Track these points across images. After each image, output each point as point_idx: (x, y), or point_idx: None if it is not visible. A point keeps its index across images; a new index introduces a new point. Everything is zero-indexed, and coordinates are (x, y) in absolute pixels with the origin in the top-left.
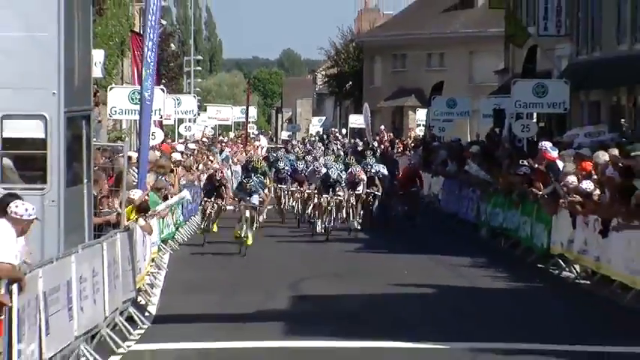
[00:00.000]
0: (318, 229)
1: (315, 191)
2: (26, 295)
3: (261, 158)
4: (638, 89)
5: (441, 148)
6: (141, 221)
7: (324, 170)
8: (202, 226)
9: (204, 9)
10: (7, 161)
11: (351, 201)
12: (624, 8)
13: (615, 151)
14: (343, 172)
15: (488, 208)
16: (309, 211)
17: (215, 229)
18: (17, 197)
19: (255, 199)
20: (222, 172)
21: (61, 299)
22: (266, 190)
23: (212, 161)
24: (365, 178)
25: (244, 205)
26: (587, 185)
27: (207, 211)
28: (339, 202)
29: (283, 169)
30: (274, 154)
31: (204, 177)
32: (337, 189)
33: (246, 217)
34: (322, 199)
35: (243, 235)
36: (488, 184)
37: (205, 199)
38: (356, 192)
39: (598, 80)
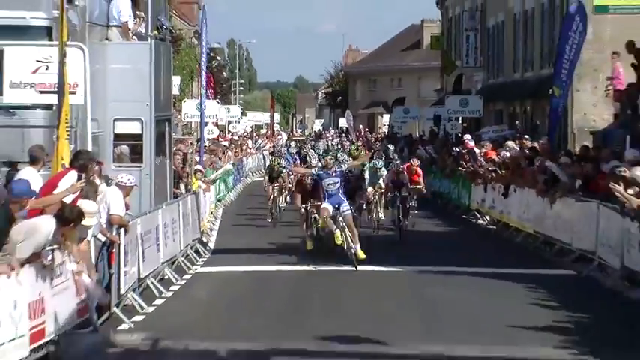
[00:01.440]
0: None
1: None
2: (129, 235)
3: (276, 158)
4: (527, 102)
5: (400, 139)
6: (202, 184)
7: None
8: (309, 233)
9: (245, 50)
10: (125, 148)
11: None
12: (517, 48)
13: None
14: (383, 170)
15: (429, 179)
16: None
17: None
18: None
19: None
20: (308, 177)
21: (152, 238)
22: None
23: (250, 148)
24: (407, 178)
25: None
26: (504, 154)
27: (311, 217)
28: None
29: (285, 167)
30: (279, 150)
31: (245, 158)
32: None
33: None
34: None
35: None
36: (432, 162)
37: (303, 205)
38: (402, 194)
39: (501, 96)
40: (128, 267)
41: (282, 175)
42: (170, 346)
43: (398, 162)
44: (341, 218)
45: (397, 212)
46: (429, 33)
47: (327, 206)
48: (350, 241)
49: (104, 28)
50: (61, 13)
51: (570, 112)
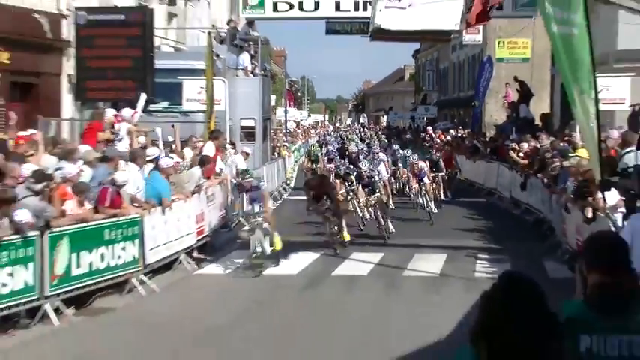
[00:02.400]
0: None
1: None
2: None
3: (315, 144)
4: (461, 109)
5: (393, 129)
6: (287, 153)
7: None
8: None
9: (310, 80)
10: (241, 133)
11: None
12: (455, 80)
13: (454, 132)
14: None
15: (407, 152)
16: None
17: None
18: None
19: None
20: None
21: (261, 182)
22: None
23: (312, 134)
24: (426, 167)
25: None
26: (449, 137)
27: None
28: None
29: (332, 151)
30: (324, 139)
31: (309, 139)
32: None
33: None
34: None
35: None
36: (410, 142)
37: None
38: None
39: (447, 106)
40: (248, 197)
41: (319, 158)
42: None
43: (415, 157)
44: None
45: (424, 200)
46: (409, 72)
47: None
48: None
49: (235, 70)
50: (209, 63)
51: (483, 114)
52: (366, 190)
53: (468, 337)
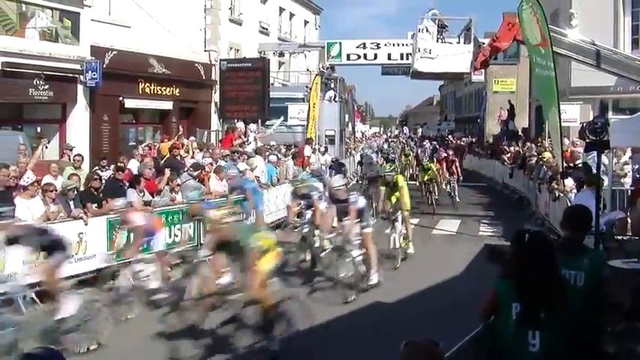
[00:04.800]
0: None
1: None
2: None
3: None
4: (470, 124)
5: (426, 138)
6: (354, 151)
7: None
8: None
9: (370, 105)
10: (326, 139)
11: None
12: (466, 104)
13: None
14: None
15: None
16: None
17: None
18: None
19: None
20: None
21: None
22: None
23: (371, 140)
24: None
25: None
26: (463, 142)
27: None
28: None
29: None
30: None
31: (370, 142)
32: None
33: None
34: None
35: None
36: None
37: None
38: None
39: (461, 122)
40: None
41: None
42: None
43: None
44: None
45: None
46: (436, 99)
47: None
48: None
49: (324, 98)
50: (310, 97)
51: (485, 127)
52: None
53: (501, 274)
